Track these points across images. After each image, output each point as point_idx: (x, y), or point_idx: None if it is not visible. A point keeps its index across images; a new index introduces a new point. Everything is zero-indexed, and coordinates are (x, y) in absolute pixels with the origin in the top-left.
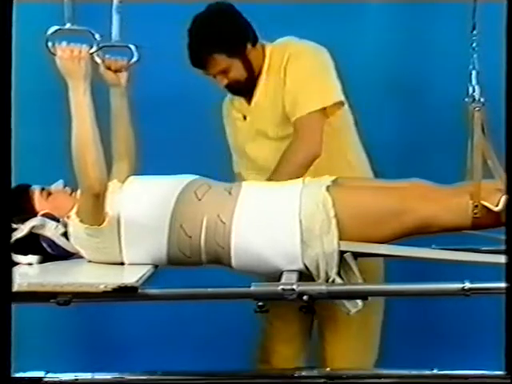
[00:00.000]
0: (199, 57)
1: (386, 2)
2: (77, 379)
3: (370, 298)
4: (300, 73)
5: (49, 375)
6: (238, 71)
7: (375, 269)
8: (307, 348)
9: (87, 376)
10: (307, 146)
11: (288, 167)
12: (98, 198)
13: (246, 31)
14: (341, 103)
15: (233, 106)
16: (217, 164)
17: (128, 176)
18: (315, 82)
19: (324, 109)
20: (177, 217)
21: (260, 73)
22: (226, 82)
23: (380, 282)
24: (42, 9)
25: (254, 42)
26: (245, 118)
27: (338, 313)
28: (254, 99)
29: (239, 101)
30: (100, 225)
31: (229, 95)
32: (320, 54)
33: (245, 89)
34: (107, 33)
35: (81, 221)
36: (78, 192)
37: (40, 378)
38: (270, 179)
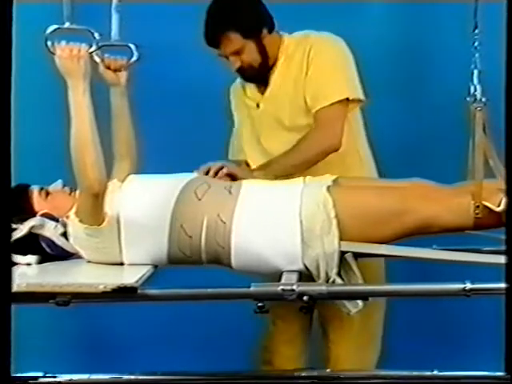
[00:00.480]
0: (214, 34)
1: (386, 1)
2: (72, 380)
3: (370, 298)
4: (324, 64)
5: (46, 376)
6: (251, 54)
7: (377, 269)
8: (308, 348)
9: (83, 377)
10: (324, 137)
11: (298, 155)
12: (98, 198)
13: (263, 15)
14: (360, 100)
15: (245, 94)
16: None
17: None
18: (339, 74)
19: (347, 101)
20: (177, 216)
21: (275, 62)
22: (238, 63)
23: (381, 281)
24: (41, 8)
25: (271, 28)
26: (258, 106)
27: (341, 312)
28: (270, 88)
29: (251, 89)
30: (99, 225)
31: (238, 81)
32: (342, 47)
33: (258, 75)
34: (107, 32)
35: (80, 221)
36: (78, 192)
37: (36, 378)
38: (274, 161)
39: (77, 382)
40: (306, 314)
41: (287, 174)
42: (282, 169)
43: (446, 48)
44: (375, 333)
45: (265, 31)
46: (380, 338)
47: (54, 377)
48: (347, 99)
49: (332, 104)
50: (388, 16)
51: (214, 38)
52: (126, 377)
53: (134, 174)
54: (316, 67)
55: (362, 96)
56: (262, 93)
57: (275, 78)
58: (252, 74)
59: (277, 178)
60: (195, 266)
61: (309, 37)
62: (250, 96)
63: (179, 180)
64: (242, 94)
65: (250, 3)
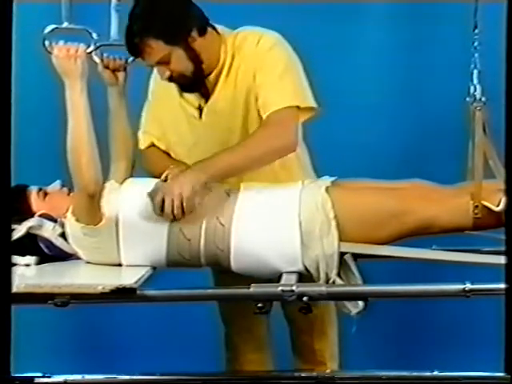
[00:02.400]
0: (133, 42)
1: (387, 1)
2: (66, 381)
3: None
4: (272, 71)
5: (40, 376)
6: (180, 62)
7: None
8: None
9: (77, 377)
10: (275, 135)
11: (244, 151)
12: (93, 198)
13: (190, 16)
14: (312, 109)
15: (183, 98)
16: None
17: (126, 176)
18: (289, 81)
19: (298, 109)
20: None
21: (218, 64)
22: (167, 73)
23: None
24: (40, 8)
25: (202, 29)
26: (200, 116)
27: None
28: (214, 97)
29: (191, 96)
30: (96, 224)
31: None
32: (289, 50)
33: (194, 84)
34: (106, 32)
35: (76, 220)
36: (74, 191)
37: (32, 379)
38: (214, 157)
39: (71, 382)
40: (263, 316)
41: (226, 176)
42: (222, 165)
43: (446, 48)
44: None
45: (194, 34)
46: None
47: (49, 377)
48: (298, 107)
49: (285, 108)
50: (388, 16)
51: (133, 46)
52: (122, 377)
53: (131, 174)
54: (264, 74)
55: (313, 104)
56: (206, 99)
57: (220, 84)
58: (187, 84)
59: (213, 177)
60: (194, 268)
61: (252, 36)
62: (188, 99)
63: None
64: (179, 97)
65: (171, 4)
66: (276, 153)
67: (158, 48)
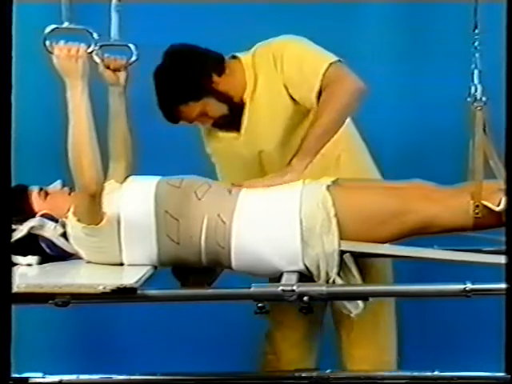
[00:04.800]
0: (170, 113)
1: (387, 1)
2: (61, 381)
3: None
4: (293, 54)
5: (34, 376)
6: (215, 108)
7: (383, 269)
8: (316, 351)
9: (72, 377)
10: (345, 83)
11: (330, 109)
12: (95, 198)
13: (205, 66)
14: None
15: (216, 138)
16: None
17: (125, 176)
18: (316, 50)
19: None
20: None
21: (244, 88)
22: (210, 121)
23: (389, 281)
24: (40, 8)
25: (221, 69)
26: (239, 136)
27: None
28: (247, 115)
29: (228, 125)
30: (97, 224)
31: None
32: (303, 39)
33: (234, 116)
34: (107, 32)
35: (78, 220)
36: (75, 191)
37: (26, 379)
38: (304, 139)
39: (67, 382)
40: (312, 317)
41: (325, 144)
42: (317, 142)
43: (446, 48)
44: (389, 332)
45: (215, 78)
46: (395, 338)
47: (43, 377)
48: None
49: (331, 64)
50: (388, 16)
51: (171, 116)
52: (118, 377)
53: (130, 174)
54: (290, 55)
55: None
56: (238, 131)
57: (250, 102)
58: (228, 120)
59: (316, 154)
60: (195, 267)
61: (270, 44)
62: (223, 137)
63: (179, 181)
64: (214, 140)
65: (184, 66)
66: (355, 97)
67: (190, 109)
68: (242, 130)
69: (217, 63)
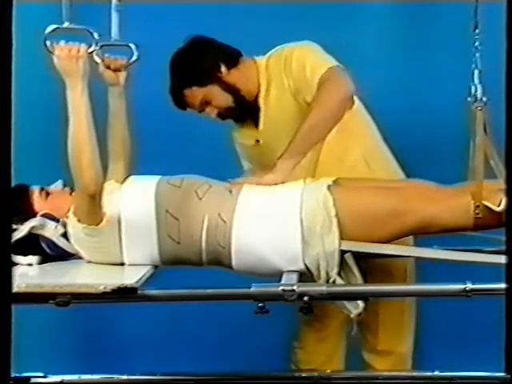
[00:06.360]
0: (176, 97)
1: (387, 1)
2: (63, 381)
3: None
4: (300, 59)
5: (36, 376)
6: (219, 97)
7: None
8: (345, 347)
9: (74, 377)
10: (336, 85)
11: (319, 110)
12: (94, 198)
13: (214, 56)
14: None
15: (240, 135)
16: (217, 163)
17: (125, 176)
18: (319, 53)
19: (339, 68)
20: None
21: (259, 90)
22: (215, 111)
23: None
24: (40, 8)
25: (232, 62)
26: (258, 141)
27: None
28: (262, 119)
29: (245, 128)
30: (97, 224)
31: (233, 130)
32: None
33: (243, 112)
34: (107, 32)
35: (78, 220)
36: (75, 191)
37: (28, 379)
38: (299, 130)
39: (68, 382)
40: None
41: (314, 145)
42: (305, 142)
43: (446, 48)
44: (410, 324)
45: (223, 69)
46: (413, 330)
47: (45, 377)
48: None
49: (329, 68)
50: (388, 16)
51: (177, 101)
52: (119, 377)
53: (130, 174)
54: (297, 59)
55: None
56: (257, 127)
57: (264, 104)
58: (236, 114)
59: (304, 154)
60: (196, 266)
61: (281, 51)
62: (246, 135)
63: (179, 181)
64: (239, 138)
65: (194, 51)
66: (344, 100)
67: (194, 94)
68: (261, 125)
69: (229, 56)
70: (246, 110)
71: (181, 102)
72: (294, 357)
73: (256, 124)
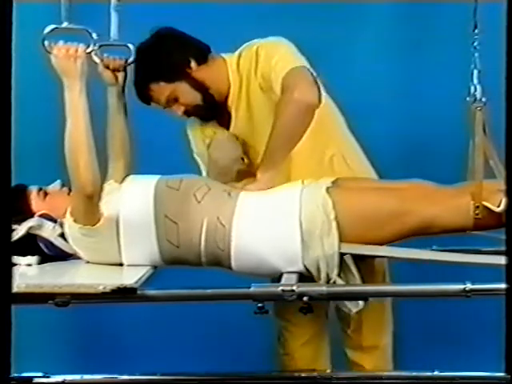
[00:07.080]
0: (141, 92)
1: (386, 1)
2: (65, 381)
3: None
4: (271, 50)
5: (38, 376)
6: (186, 94)
7: (378, 267)
8: (329, 350)
9: (76, 377)
10: (297, 93)
11: (282, 121)
12: (91, 199)
13: (184, 51)
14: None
15: (204, 135)
16: None
17: (125, 176)
18: (286, 51)
19: (305, 68)
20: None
21: (229, 91)
22: (181, 109)
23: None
24: (39, 8)
25: (201, 59)
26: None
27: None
28: (234, 121)
29: (211, 127)
30: (94, 225)
31: (188, 124)
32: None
33: (210, 110)
34: (106, 32)
35: (74, 220)
36: (72, 192)
37: (30, 379)
38: (265, 153)
39: (70, 382)
40: (318, 314)
41: (286, 155)
42: (277, 149)
43: (445, 48)
44: (390, 316)
45: (193, 65)
46: (391, 318)
47: (47, 377)
48: (304, 67)
49: (293, 68)
50: (388, 16)
51: (142, 96)
52: (121, 377)
53: (130, 174)
54: (265, 55)
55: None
56: (228, 127)
57: (236, 106)
58: (203, 113)
59: (279, 166)
60: (195, 267)
61: (252, 46)
62: (207, 134)
63: (178, 182)
64: (201, 139)
65: (161, 45)
66: (307, 109)
67: (161, 89)
68: (231, 127)
69: (199, 52)
70: (214, 109)
71: (145, 97)
72: (280, 363)
73: (227, 126)
